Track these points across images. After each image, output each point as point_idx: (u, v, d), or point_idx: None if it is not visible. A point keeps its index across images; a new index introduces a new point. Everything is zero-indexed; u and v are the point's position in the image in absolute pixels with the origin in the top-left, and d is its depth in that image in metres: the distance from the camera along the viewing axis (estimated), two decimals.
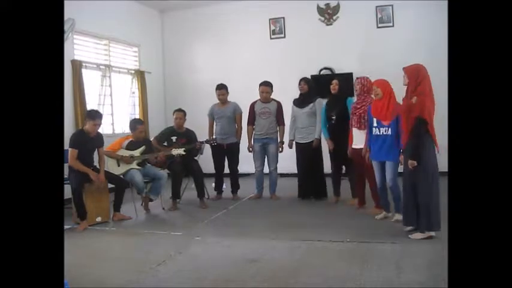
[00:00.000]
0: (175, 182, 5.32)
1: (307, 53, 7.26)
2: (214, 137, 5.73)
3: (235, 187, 5.86)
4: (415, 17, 6.79)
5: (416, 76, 3.55)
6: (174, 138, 5.53)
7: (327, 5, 7.26)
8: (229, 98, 5.83)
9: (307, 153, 5.30)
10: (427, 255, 3.22)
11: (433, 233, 3.56)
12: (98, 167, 4.75)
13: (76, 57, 6.07)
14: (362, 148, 4.42)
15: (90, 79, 6.42)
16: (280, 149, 5.63)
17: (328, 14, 7.26)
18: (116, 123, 6.95)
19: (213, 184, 5.93)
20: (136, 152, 5.12)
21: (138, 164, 5.13)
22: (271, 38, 7.60)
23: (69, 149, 4.47)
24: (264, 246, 3.63)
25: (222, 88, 5.75)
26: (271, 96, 5.62)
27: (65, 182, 4.51)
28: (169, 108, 7.59)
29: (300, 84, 5.42)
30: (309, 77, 5.79)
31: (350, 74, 6.67)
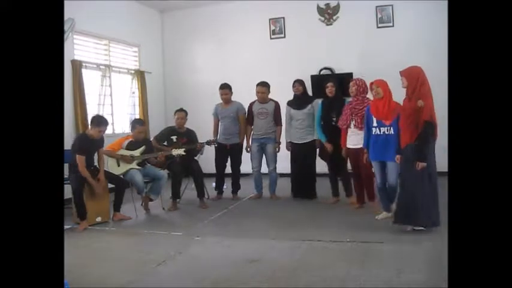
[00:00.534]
0: (175, 182, 5.32)
1: (307, 53, 7.25)
2: (214, 138, 5.73)
3: (235, 187, 5.86)
4: (415, 17, 6.79)
5: (416, 79, 3.60)
6: (174, 138, 5.53)
7: (327, 5, 7.25)
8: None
9: (304, 153, 5.31)
10: (427, 255, 3.22)
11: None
12: (98, 167, 4.75)
13: (76, 57, 6.07)
14: (361, 148, 4.43)
15: (90, 79, 6.41)
16: (277, 149, 5.63)
17: (328, 14, 7.26)
18: (116, 123, 6.94)
19: (213, 184, 5.93)
20: (137, 152, 5.12)
21: (138, 164, 5.13)
22: (271, 38, 7.59)
23: (77, 156, 4.46)
24: (264, 246, 3.63)
25: (224, 88, 5.73)
26: (269, 96, 5.62)
27: (65, 182, 4.51)
28: (169, 108, 7.61)
29: (294, 85, 5.41)
30: (309, 77, 5.79)
31: (350, 74, 6.67)
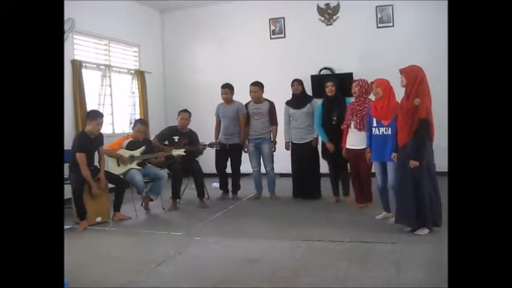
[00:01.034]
0: (175, 182, 5.32)
1: (307, 53, 7.25)
2: (216, 141, 5.72)
3: (235, 187, 5.86)
4: (415, 17, 6.79)
5: (415, 77, 3.59)
6: (176, 138, 5.53)
7: (327, 5, 7.25)
8: None
9: (305, 153, 5.30)
10: (427, 255, 3.22)
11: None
12: (98, 166, 4.75)
13: (76, 57, 6.07)
14: (360, 149, 4.45)
15: (90, 79, 6.41)
16: (273, 149, 5.62)
17: (328, 14, 7.26)
18: (116, 123, 6.94)
19: (213, 184, 5.93)
20: (137, 152, 5.12)
21: (138, 164, 5.13)
22: (271, 38, 7.60)
23: (77, 154, 4.47)
24: (264, 246, 3.63)
25: (225, 87, 5.73)
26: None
27: (65, 182, 4.51)
28: (169, 108, 7.62)
29: (293, 85, 5.41)
30: (309, 77, 5.77)
31: (350, 74, 6.67)
